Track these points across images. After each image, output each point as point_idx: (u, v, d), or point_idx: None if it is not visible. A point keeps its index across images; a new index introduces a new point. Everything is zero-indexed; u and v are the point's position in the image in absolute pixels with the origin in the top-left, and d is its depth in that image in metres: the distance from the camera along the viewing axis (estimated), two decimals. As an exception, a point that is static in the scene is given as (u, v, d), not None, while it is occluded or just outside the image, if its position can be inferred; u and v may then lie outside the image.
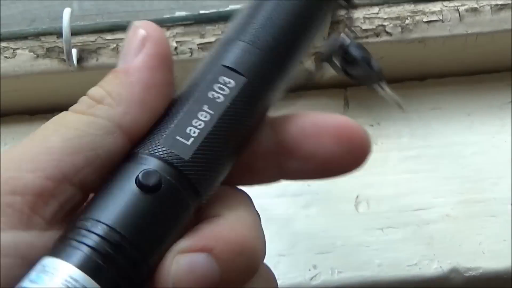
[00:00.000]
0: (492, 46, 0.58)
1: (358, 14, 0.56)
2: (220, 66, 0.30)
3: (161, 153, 0.28)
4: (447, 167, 0.57)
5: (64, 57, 0.54)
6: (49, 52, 0.55)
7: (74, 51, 0.54)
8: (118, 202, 0.26)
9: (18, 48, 0.55)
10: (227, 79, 0.30)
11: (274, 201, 0.56)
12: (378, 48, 0.55)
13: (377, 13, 0.56)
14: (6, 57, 0.55)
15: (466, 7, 0.56)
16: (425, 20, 0.56)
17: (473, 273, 0.52)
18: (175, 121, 0.29)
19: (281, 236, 0.55)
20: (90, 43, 0.55)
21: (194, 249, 0.27)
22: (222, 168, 0.29)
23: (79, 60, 0.55)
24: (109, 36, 0.55)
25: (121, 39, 0.55)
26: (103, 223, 0.26)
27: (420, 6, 0.57)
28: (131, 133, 0.28)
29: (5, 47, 0.55)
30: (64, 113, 0.29)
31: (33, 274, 0.25)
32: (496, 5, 0.56)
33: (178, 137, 0.28)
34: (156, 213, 0.27)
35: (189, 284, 0.26)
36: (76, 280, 0.25)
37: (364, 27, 0.56)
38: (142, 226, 0.26)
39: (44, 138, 0.28)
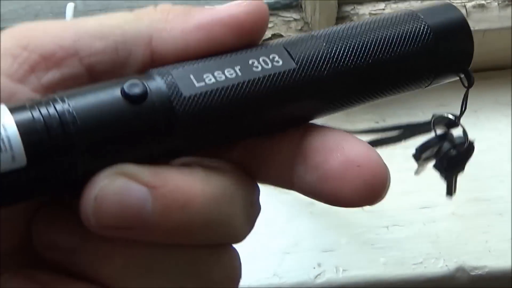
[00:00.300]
0: (499, 42, 0.57)
1: (364, 9, 0.56)
2: (280, 46, 0.29)
3: (166, 77, 0.27)
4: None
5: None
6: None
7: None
8: (94, 95, 0.25)
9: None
10: (277, 57, 0.28)
11: (279, 198, 0.55)
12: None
13: (383, 9, 0.56)
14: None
15: (473, 3, 0.56)
16: (431, 16, 0.56)
17: (479, 272, 0.52)
18: (200, 62, 0.27)
19: (286, 234, 0.54)
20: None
21: (138, 179, 0.25)
22: (213, 131, 0.27)
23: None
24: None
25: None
26: (68, 103, 0.25)
27: (427, 2, 0.56)
28: (158, 52, 0.28)
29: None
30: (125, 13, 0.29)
31: None
32: (504, 1, 0.56)
33: (191, 76, 0.27)
34: (121, 121, 0.25)
35: (112, 207, 0.24)
36: (5, 129, 0.23)
37: (370, 23, 0.56)
38: (101, 126, 0.25)
39: (88, 18, 0.28)
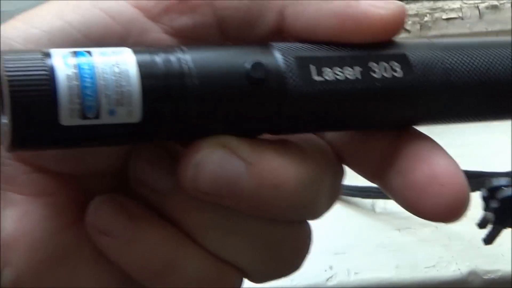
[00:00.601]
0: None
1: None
2: (402, 52, 0.28)
3: (287, 60, 0.26)
4: (465, 167, 0.56)
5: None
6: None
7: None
8: (218, 62, 0.26)
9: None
10: (396, 65, 0.27)
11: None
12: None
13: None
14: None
15: (486, 4, 0.56)
16: (444, 17, 0.56)
17: (492, 276, 0.52)
18: (322, 52, 0.27)
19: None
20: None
21: (237, 153, 0.26)
22: (318, 122, 0.27)
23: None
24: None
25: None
26: (191, 64, 0.25)
27: (440, 3, 0.56)
28: (287, 22, 0.28)
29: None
30: None
31: (108, 49, 0.25)
32: (517, 2, 0.56)
33: (311, 66, 0.26)
34: (236, 97, 0.25)
35: (209, 176, 0.25)
36: (129, 84, 0.24)
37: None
38: (217, 95, 0.25)
39: None
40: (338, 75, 0.27)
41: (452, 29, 0.56)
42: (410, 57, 0.28)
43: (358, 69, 0.27)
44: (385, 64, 0.27)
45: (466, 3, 0.56)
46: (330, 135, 0.30)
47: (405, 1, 0.56)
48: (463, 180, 0.27)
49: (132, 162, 0.27)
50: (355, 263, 0.53)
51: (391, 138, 0.28)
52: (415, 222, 0.54)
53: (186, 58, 0.25)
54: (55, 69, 0.23)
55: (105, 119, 0.24)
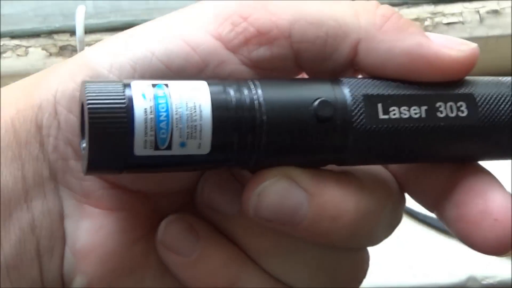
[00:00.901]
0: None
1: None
2: (470, 92, 0.28)
3: (355, 97, 0.27)
4: None
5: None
6: (62, 50, 0.55)
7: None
8: (287, 98, 0.26)
9: (30, 46, 0.55)
10: (463, 106, 0.28)
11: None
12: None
13: (396, 14, 0.56)
14: (18, 55, 0.54)
15: (487, 8, 0.55)
16: (445, 21, 0.55)
17: (491, 281, 0.51)
18: (392, 90, 0.27)
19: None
20: (104, 41, 0.55)
21: (299, 183, 0.27)
22: (380, 157, 0.28)
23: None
24: (122, 35, 0.55)
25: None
26: (262, 100, 0.26)
27: (440, 7, 0.56)
28: (360, 56, 0.28)
29: (17, 45, 0.54)
30: None
31: (184, 82, 0.26)
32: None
33: (379, 105, 0.27)
34: (302, 132, 0.26)
35: (271, 205, 0.26)
36: (201, 119, 0.25)
37: (382, 28, 0.55)
38: (285, 130, 0.26)
39: (306, 1, 0.28)
40: (404, 114, 0.27)
41: (452, 33, 0.55)
42: (477, 96, 0.28)
43: (424, 108, 0.27)
44: (452, 104, 0.28)
45: (466, 8, 0.56)
46: (394, 165, 0.30)
47: (406, 5, 0.56)
48: None
49: (201, 185, 0.29)
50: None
51: (451, 171, 0.29)
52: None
53: (258, 93, 0.26)
54: (134, 101, 0.24)
55: (176, 151, 0.25)
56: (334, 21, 0.28)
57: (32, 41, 0.55)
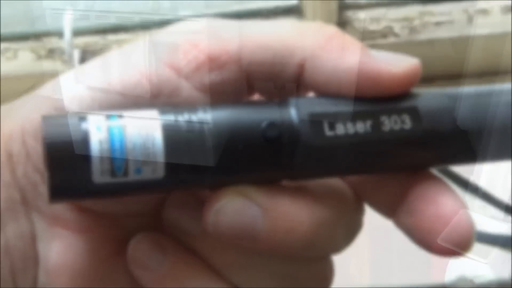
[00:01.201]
0: (501, 47, 0.57)
1: (364, 15, 0.55)
2: (414, 105, 0.29)
3: (301, 116, 0.28)
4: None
5: (66, 58, 0.53)
6: (51, 53, 0.55)
7: (76, 52, 0.54)
8: (236, 121, 0.28)
9: (19, 49, 0.55)
10: (407, 119, 0.29)
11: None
12: (385, 50, 0.55)
13: (384, 14, 0.56)
14: (7, 58, 0.54)
15: (475, 8, 0.56)
16: (433, 21, 0.56)
17: (481, 281, 0.51)
18: (337, 107, 0.28)
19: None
20: (93, 43, 0.55)
21: (254, 200, 0.28)
22: (330, 172, 0.29)
23: (82, 61, 0.54)
24: (112, 37, 0.55)
25: (124, 39, 0.54)
26: (210, 119, 0.27)
27: (429, 7, 0.56)
28: (307, 73, 0.29)
29: (6, 48, 0.54)
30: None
31: (137, 112, 0.27)
32: (506, 6, 0.56)
33: (325, 122, 0.28)
34: (252, 153, 0.28)
35: (228, 221, 0.28)
36: (154, 146, 0.26)
37: (371, 28, 0.55)
38: (235, 152, 0.28)
39: (252, 24, 0.30)
40: (349, 129, 0.28)
41: (441, 32, 0.56)
42: (420, 109, 0.29)
43: (369, 123, 0.28)
44: (396, 117, 0.29)
45: (455, 7, 0.56)
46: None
47: (394, 5, 0.56)
48: (469, 217, 0.29)
49: (166, 206, 0.30)
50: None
51: (404, 180, 0.30)
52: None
53: (207, 118, 0.27)
54: (89, 134, 0.26)
55: (132, 177, 0.27)
56: (280, 42, 0.29)
57: (21, 44, 0.55)
